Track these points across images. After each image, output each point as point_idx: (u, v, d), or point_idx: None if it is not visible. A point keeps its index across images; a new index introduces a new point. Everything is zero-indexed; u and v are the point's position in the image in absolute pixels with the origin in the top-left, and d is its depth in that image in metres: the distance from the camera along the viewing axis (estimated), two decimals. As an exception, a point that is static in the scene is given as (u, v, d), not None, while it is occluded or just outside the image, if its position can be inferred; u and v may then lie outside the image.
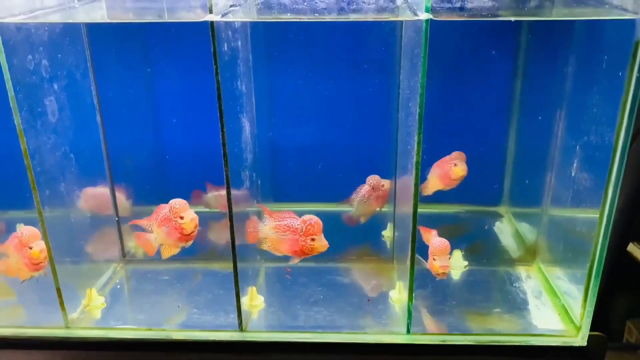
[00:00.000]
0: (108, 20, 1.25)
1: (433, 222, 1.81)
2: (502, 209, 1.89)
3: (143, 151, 1.81)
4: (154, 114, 1.77)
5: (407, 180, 1.54)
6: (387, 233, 1.80)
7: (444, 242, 1.38)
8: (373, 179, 1.62)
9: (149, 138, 1.83)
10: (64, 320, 1.39)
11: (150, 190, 1.90)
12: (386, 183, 1.63)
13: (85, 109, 1.49)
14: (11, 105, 1.17)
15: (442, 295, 1.50)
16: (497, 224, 1.84)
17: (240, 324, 1.37)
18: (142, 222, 1.40)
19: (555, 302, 1.45)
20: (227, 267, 1.66)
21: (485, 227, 1.80)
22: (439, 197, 1.83)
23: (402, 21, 1.40)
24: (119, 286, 1.60)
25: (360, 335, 1.35)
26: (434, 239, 1.41)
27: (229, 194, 1.26)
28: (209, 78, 1.63)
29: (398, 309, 1.46)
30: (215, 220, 1.87)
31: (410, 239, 1.27)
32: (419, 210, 1.62)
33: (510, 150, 1.82)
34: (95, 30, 1.49)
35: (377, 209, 1.66)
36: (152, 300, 1.52)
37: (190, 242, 1.38)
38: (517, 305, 1.45)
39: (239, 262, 1.68)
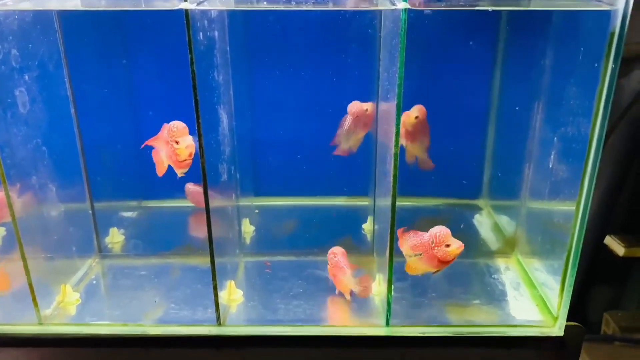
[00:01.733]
0: (81, 8, 1.21)
1: (413, 215, 1.82)
2: (481, 202, 1.90)
3: (119, 144, 1.78)
4: (130, 106, 1.74)
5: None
6: (368, 226, 1.79)
7: (443, 228, 1.31)
8: (354, 106, 1.50)
9: (125, 130, 1.80)
10: (37, 317, 1.35)
11: (130, 185, 1.88)
12: (369, 106, 1.51)
13: (58, 101, 1.46)
14: (-24, 95, 1.14)
15: (421, 288, 1.50)
16: (477, 216, 1.85)
17: (218, 318, 1.35)
18: (151, 142, 1.36)
19: (534, 293, 1.46)
20: (205, 262, 1.63)
21: (461, 227, 1.80)
22: (418, 190, 1.83)
23: (381, 12, 1.40)
24: (94, 282, 1.57)
25: (340, 328, 1.35)
26: (429, 233, 1.33)
27: (205, 186, 1.24)
28: (184, 69, 1.62)
29: (378, 301, 1.46)
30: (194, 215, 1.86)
31: (389, 232, 1.26)
32: (398, 203, 1.63)
33: (489, 142, 1.83)
34: (69, 19, 1.45)
35: (364, 134, 1.56)
36: (129, 295, 1.49)
37: (184, 170, 1.32)
38: (495, 297, 1.46)
39: (217, 257, 1.67)
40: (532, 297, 1.45)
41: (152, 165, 1.87)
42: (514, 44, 1.62)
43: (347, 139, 1.54)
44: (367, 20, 1.48)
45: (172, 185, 1.87)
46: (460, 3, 1.10)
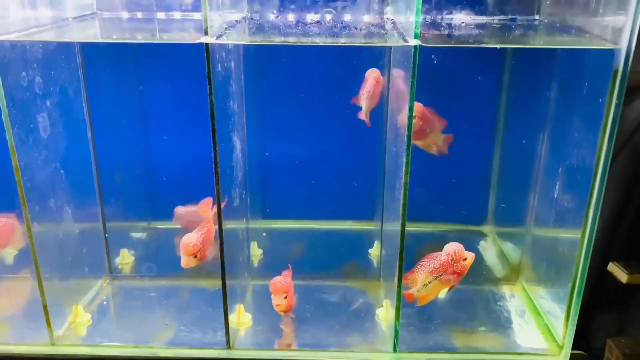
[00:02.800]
0: (103, 40, 1.26)
1: (417, 240, 1.84)
2: (486, 228, 1.93)
3: (133, 167, 1.82)
4: (145, 131, 1.79)
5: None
6: (374, 251, 1.82)
7: (457, 244, 1.31)
8: (374, 72, 1.46)
9: (139, 154, 1.84)
10: (49, 337, 1.37)
11: (140, 207, 1.91)
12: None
13: (76, 125, 1.50)
14: (4, 121, 1.18)
15: (427, 314, 1.52)
16: (482, 242, 1.88)
17: (227, 341, 1.37)
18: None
19: (539, 321, 1.48)
20: (214, 284, 1.66)
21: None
22: (422, 215, 1.86)
23: (391, 45, 1.44)
24: (105, 302, 1.59)
25: (347, 353, 1.37)
26: (445, 252, 1.31)
27: (219, 211, 1.27)
28: (199, 96, 1.66)
29: (385, 327, 1.48)
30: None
31: (398, 257, 1.29)
32: (388, 228, 1.66)
33: (494, 170, 1.86)
34: (89, 48, 1.50)
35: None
36: (139, 317, 1.51)
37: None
38: (501, 324, 1.48)
39: (227, 280, 1.70)
40: (537, 324, 1.47)
41: (162, 187, 1.91)
42: (519, 77, 1.67)
43: (368, 102, 1.49)
44: (377, 53, 1.52)
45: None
46: (470, 40, 1.15)
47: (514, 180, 1.75)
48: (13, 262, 1.71)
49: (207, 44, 1.11)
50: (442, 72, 1.53)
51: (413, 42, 1.08)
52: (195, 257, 1.35)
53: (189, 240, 1.34)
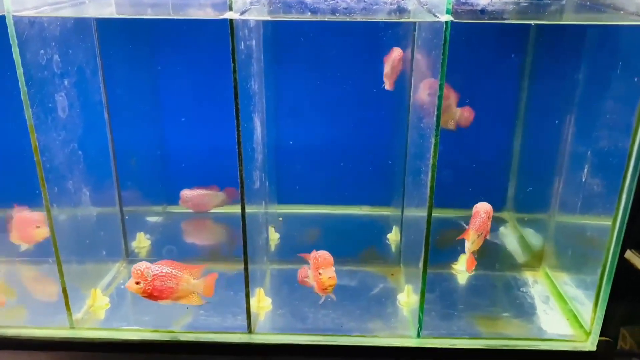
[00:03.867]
0: (123, 16, 1.23)
1: (436, 226, 1.81)
2: (505, 214, 1.90)
3: (148, 150, 1.80)
4: (161, 113, 1.76)
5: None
6: (392, 236, 1.79)
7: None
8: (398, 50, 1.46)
9: (154, 137, 1.82)
10: (68, 321, 1.36)
11: (155, 190, 1.89)
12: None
13: (93, 106, 1.47)
14: (23, 100, 1.15)
15: (450, 299, 1.50)
16: (501, 229, 1.85)
17: (249, 325, 1.35)
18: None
19: (563, 307, 1.45)
20: (232, 268, 1.65)
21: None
22: (440, 201, 1.83)
23: (416, 23, 1.40)
24: (122, 286, 1.57)
25: (370, 338, 1.35)
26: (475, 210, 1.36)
27: (243, 194, 1.25)
28: (218, 77, 1.63)
29: (406, 312, 1.46)
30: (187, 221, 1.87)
31: (424, 242, 1.26)
32: (421, 214, 1.62)
33: (515, 155, 1.83)
34: (105, 26, 1.47)
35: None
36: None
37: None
38: (525, 310, 1.45)
39: (242, 264, 1.68)
40: (562, 310, 1.44)
41: (177, 171, 1.88)
42: (543, 58, 1.63)
43: (392, 70, 1.47)
44: (400, 31, 1.49)
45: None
46: (504, 17, 1.11)
47: (536, 165, 1.71)
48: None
49: (231, 20, 1.08)
50: (462, 51, 1.50)
51: (444, 17, 1.04)
52: (137, 283, 1.24)
53: (139, 265, 1.25)
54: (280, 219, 1.92)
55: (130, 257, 1.70)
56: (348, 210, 1.95)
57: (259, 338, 1.35)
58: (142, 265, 1.24)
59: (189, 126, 1.78)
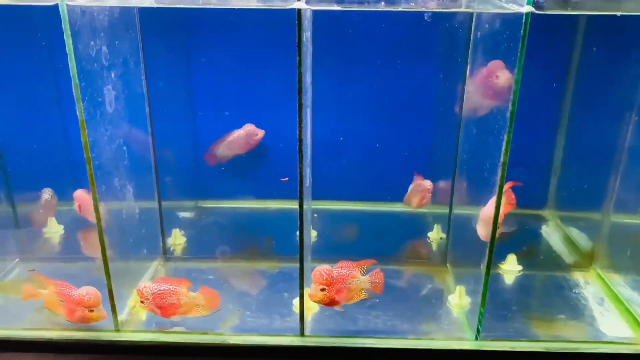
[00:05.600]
0: (178, 5, 1.17)
1: (469, 224, 1.76)
2: (546, 213, 1.86)
3: (184, 144, 1.75)
4: (199, 105, 1.70)
5: (463, 182, 1.50)
6: (434, 235, 1.75)
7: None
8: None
9: (189, 130, 1.77)
10: (114, 323, 1.31)
11: (188, 185, 1.84)
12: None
13: (136, 99, 1.42)
14: (74, 94, 1.10)
15: (501, 301, 1.46)
16: (544, 227, 1.81)
17: (301, 328, 1.31)
18: None
19: (620, 309, 1.42)
20: (272, 266, 1.61)
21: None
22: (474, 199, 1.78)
23: (472, 14, 1.35)
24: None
25: (425, 341, 1.31)
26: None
27: (301, 189, 1.20)
28: (264, 69, 1.58)
29: (457, 313, 1.42)
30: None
31: (489, 243, 1.22)
32: (456, 211, 1.59)
33: (557, 151, 1.78)
34: (147, 17, 1.41)
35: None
36: (201, 301, 1.45)
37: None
38: (580, 312, 1.42)
39: (283, 262, 1.64)
40: (620, 312, 1.40)
41: (208, 166, 1.83)
42: (594, 48, 1.57)
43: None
44: (454, 22, 1.43)
45: (228, 185, 1.85)
46: (587, 6, 1.05)
47: (584, 162, 1.66)
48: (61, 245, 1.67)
49: (299, 10, 1.02)
50: (506, 43, 1.45)
51: (525, 8, 0.99)
52: (142, 302, 1.27)
53: (140, 285, 1.28)
54: (315, 215, 1.87)
55: (167, 254, 1.66)
56: (384, 207, 1.90)
57: (312, 341, 1.31)
58: (142, 285, 1.27)
59: (225, 118, 1.72)
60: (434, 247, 1.73)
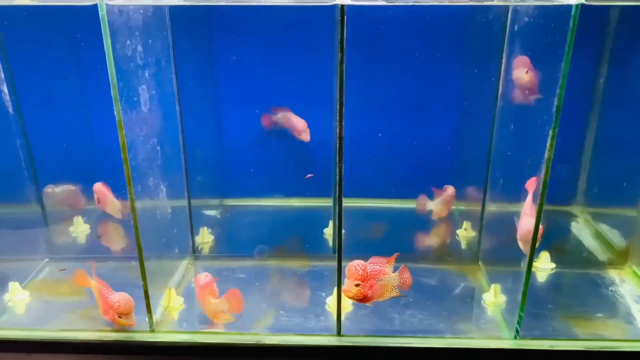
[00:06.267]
0: (224, 3, 1.15)
1: (499, 220, 1.75)
2: (575, 209, 1.83)
3: (209, 143, 1.74)
4: (232, 104, 1.69)
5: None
6: (463, 233, 1.73)
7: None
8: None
9: (214, 129, 1.76)
10: (149, 324, 1.30)
11: (213, 184, 1.83)
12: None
13: (168, 98, 1.40)
14: (112, 94, 1.09)
15: (536, 299, 1.44)
16: (573, 224, 1.79)
17: (338, 328, 1.30)
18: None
19: (659, 307, 1.40)
20: (303, 264, 1.60)
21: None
22: (503, 195, 1.75)
23: (507, 7, 1.33)
24: (193, 285, 1.52)
25: (465, 340, 1.29)
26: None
27: (340, 187, 1.18)
28: (294, 67, 1.56)
29: (493, 312, 1.40)
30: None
31: (530, 242, 1.20)
32: (492, 209, 1.56)
33: (587, 147, 1.76)
34: (177, 16, 1.40)
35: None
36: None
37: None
38: (618, 310, 1.40)
39: (313, 260, 1.63)
40: (659, 311, 1.39)
41: (234, 163, 1.82)
42: (627, 40, 1.54)
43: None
44: (489, 16, 1.41)
45: (253, 183, 1.84)
46: None
47: (617, 158, 1.64)
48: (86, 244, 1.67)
49: (342, 6, 1.00)
50: (538, 34, 1.42)
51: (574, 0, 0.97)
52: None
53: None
54: None
55: (196, 253, 1.65)
56: (411, 204, 1.88)
57: (349, 340, 1.30)
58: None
59: (254, 117, 1.71)
60: (463, 244, 1.72)
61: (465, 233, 1.72)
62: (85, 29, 1.16)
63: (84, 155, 1.60)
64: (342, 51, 1.03)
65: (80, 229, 1.72)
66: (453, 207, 1.73)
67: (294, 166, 1.81)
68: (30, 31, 1.47)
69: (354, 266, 1.23)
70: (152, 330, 1.31)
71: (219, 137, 1.81)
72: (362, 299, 1.24)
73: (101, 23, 1.03)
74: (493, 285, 1.43)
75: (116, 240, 1.66)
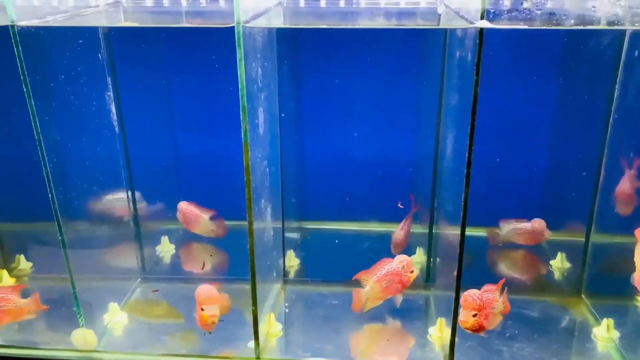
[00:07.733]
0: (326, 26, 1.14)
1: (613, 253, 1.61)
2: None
3: (298, 163, 1.72)
4: (331, 125, 1.66)
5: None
6: (557, 264, 1.67)
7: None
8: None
9: (295, 145, 1.73)
10: (255, 350, 1.27)
11: (293, 205, 1.80)
12: None
13: (274, 119, 1.40)
14: (241, 116, 1.08)
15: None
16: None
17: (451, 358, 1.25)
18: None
19: None
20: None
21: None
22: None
23: (624, 32, 1.29)
24: (287, 310, 1.49)
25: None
26: None
27: (465, 215, 1.15)
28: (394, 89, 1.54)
29: (605, 347, 1.34)
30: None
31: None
32: (596, 240, 1.49)
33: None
34: (282, 36, 1.40)
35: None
36: (333, 328, 1.40)
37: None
38: None
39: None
40: None
41: (316, 186, 1.79)
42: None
43: None
44: (604, 41, 1.37)
45: (332, 206, 1.80)
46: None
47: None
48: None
49: (481, 29, 0.98)
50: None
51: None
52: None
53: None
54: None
55: (285, 277, 1.62)
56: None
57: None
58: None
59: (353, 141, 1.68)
60: (557, 275, 1.65)
61: (560, 264, 1.66)
62: (193, 51, 1.15)
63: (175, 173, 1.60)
64: (477, 74, 1.00)
65: (166, 248, 1.71)
66: (545, 238, 1.66)
67: (372, 189, 1.77)
68: (135, 53, 1.48)
69: (470, 296, 1.19)
70: (258, 358, 1.28)
71: (301, 158, 1.79)
72: (477, 329, 1.20)
73: (237, 45, 1.03)
74: (605, 320, 1.37)
75: (207, 262, 1.64)
